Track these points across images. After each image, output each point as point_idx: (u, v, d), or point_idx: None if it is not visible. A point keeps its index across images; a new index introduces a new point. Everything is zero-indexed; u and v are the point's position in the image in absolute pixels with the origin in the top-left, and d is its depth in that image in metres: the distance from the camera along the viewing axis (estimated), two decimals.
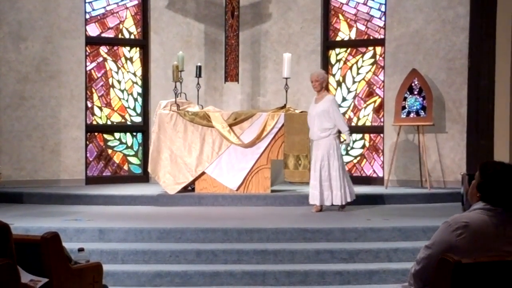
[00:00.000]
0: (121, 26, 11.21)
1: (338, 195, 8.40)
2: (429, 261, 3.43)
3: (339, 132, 8.51)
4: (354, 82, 11.12)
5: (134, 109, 11.32)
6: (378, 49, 10.95)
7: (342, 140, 8.66)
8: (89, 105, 10.92)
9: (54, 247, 4.31)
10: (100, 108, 11.07)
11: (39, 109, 10.44)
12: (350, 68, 11.16)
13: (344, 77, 11.18)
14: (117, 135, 11.17)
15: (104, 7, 11.08)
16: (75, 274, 4.48)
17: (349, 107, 11.16)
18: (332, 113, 8.43)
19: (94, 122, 10.99)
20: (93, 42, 10.94)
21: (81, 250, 4.84)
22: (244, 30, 11.22)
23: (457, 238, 3.38)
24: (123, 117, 11.24)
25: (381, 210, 8.79)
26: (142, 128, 11.29)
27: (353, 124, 11.11)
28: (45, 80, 10.47)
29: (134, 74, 11.32)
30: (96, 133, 11.00)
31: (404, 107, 10.19)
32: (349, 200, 8.48)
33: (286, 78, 9.64)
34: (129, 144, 11.25)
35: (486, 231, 3.39)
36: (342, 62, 11.22)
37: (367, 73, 11.05)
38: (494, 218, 3.43)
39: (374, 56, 11.00)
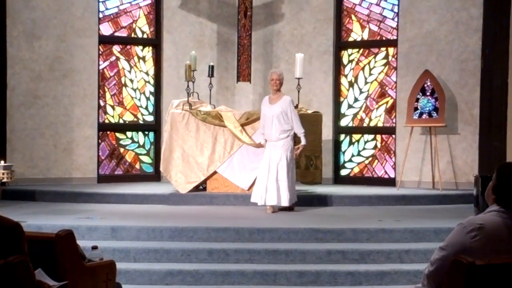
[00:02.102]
0: (134, 25, 11.25)
1: (285, 196, 8.32)
2: (443, 263, 3.43)
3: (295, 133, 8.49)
4: (366, 82, 11.12)
5: (146, 108, 11.36)
6: (391, 50, 10.94)
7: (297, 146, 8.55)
8: (102, 103, 10.97)
9: (69, 245, 4.34)
10: (113, 107, 11.11)
11: (52, 107, 10.50)
12: (363, 68, 11.15)
13: (356, 78, 11.18)
14: (129, 134, 11.21)
15: (117, 6, 11.12)
16: (89, 272, 4.51)
17: (361, 107, 11.15)
18: (290, 114, 8.43)
19: (107, 121, 11.04)
20: (106, 41, 11.00)
21: (94, 248, 4.87)
22: (256, 30, 11.23)
23: (472, 240, 3.37)
24: (135, 116, 11.28)
25: (393, 211, 8.78)
26: (154, 127, 11.33)
27: (365, 124, 11.11)
28: (58, 79, 10.52)
29: (147, 73, 11.36)
30: (108, 132, 11.05)
31: (416, 108, 10.17)
32: (293, 202, 8.46)
33: (298, 79, 9.63)
34: (141, 143, 11.28)
35: (500, 233, 3.38)
36: (354, 63, 11.22)
37: (379, 74, 11.04)
38: (508, 220, 3.42)
39: (386, 57, 10.99)
